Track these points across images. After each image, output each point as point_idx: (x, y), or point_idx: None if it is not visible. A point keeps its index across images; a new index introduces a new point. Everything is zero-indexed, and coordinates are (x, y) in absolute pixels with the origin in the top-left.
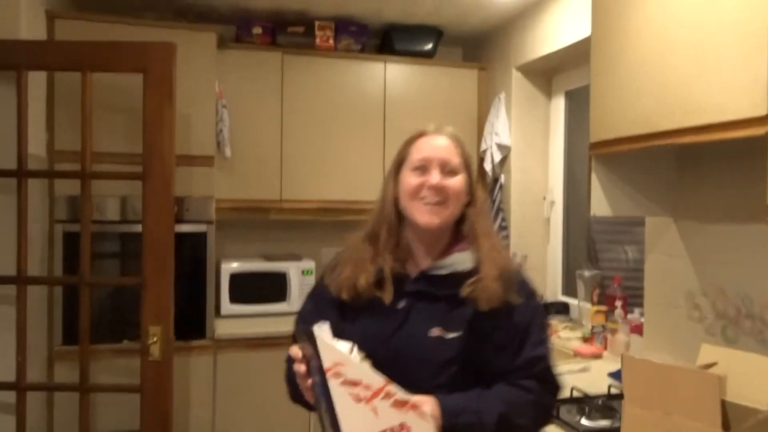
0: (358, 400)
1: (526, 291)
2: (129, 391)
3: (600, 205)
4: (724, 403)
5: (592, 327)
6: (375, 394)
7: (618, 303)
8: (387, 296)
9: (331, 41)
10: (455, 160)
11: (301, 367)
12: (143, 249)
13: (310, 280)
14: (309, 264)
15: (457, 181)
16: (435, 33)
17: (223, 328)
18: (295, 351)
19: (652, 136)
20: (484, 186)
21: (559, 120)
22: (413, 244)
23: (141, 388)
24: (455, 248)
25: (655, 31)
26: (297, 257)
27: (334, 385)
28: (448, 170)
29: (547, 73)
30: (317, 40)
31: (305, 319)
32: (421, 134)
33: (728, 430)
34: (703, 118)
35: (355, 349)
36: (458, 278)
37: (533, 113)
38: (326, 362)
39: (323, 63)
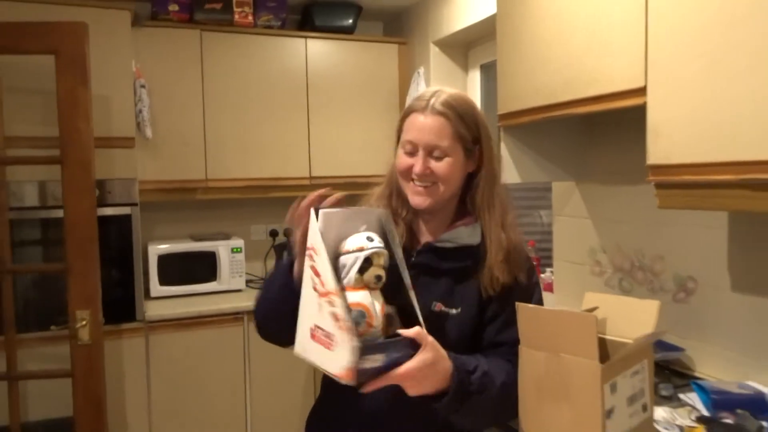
0: (314, 288)
1: (528, 269)
2: (60, 377)
3: (509, 174)
4: (602, 341)
5: None
6: (323, 295)
7: None
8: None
9: (250, 17)
10: (444, 142)
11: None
12: (65, 234)
13: (240, 258)
14: (238, 242)
15: (445, 165)
16: (355, 8)
17: (153, 310)
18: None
19: (553, 107)
20: (488, 149)
21: (476, 92)
22: (419, 216)
23: (72, 372)
24: (460, 222)
25: (555, 10)
26: (226, 236)
27: (306, 263)
28: (435, 155)
29: (463, 47)
30: (236, 17)
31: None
32: (411, 111)
33: (604, 361)
34: (596, 89)
35: (370, 243)
36: (463, 252)
37: (451, 85)
38: (309, 242)
39: (243, 40)
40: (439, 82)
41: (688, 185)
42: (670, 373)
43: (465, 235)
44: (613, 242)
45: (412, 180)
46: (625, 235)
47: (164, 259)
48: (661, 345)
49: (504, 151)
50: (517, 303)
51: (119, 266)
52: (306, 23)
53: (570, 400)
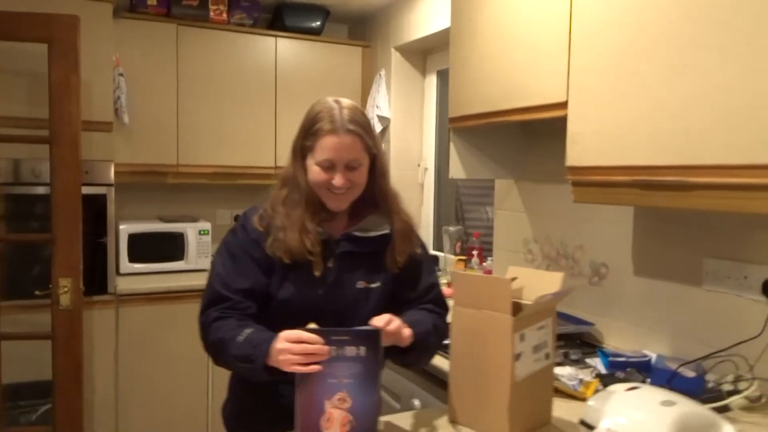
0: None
1: (419, 240)
2: (42, 338)
3: (456, 170)
4: (518, 303)
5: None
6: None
7: (474, 253)
8: (318, 257)
9: (225, 15)
10: (359, 154)
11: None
12: (53, 207)
13: (207, 240)
14: (205, 225)
15: (361, 172)
16: (323, 11)
17: (123, 284)
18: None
19: (493, 114)
20: (380, 151)
21: (432, 96)
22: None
23: (53, 335)
24: (366, 211)
25: (497, 27)
26: (194, 219)
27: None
28: (351, 166)
29: (422, 54)
30: (211, 14)
31: (227, 282)
32: (327, 132)
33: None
34: (529, 101)
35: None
36: (377, 239)
37: (410, 89)
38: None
39: (217, 36)
40: (399, 83)
41: (595, 184)
42: (582, 343)
43: (377, 224)
44: (543, 234)
45: (328, 189)
46: (553, 227)
47: (134, 238)
48: (574, 320)
49: (453, 150)
50: (452, 271)
51: (94, 242)
52: (276, 23)
53: (489, 345)
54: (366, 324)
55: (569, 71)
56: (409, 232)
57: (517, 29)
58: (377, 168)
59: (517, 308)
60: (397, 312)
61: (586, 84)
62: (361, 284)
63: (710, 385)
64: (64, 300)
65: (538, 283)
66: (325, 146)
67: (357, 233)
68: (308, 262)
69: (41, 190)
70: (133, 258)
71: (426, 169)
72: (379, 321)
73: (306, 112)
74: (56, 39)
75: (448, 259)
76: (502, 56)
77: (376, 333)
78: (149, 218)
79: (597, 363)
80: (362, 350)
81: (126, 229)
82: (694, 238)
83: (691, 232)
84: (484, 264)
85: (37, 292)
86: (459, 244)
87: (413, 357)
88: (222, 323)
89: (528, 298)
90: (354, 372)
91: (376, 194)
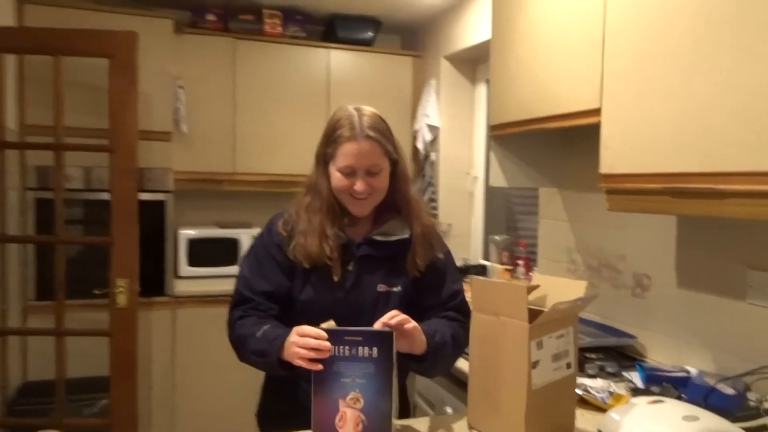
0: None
1: (441, 245)
2: (100, 335)
3: (497, 178)
4: (539, 311)
5: None
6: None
7: (520, 262)
8: (336, 262)
9: (279, 28)
10: (379, 159)
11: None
12: (112, 212)
13: None
14: (259, 231)
15: (382, 177)
16: (374, 23)
17: (181, 287)
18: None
19: (530, 122)
20: (402, 157)
21: (482, 104)
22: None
23: (110, 332)
24: (388, 215)
25: (534, 35)
26: (248, 225)
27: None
28: (372, 172)
29: (471, 62)
30: (266, 27)
31: (251, 284)
32: (347, 139)
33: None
34: (564, 107)
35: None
36: (397, 243)
37: (459, 98)
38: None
39: (272, 48)
40: (449, 92)
41: (628, 192)
42: (621, 356)
43: (398, 228)
44: (586, 243)
45: (350, 195)
46: (595, 236)
47: (193, 243)
48: (615, 332)
49: (493, 159)
50: (471, 276)
51: (153, 246)
52: (329, 35)
53: (506, 352)
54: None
55: (602, 78)
56: (430, 236)
57: (552, 37)
58: (398, 173)
59: (535, 316)
60: (418, 318)
61: (616, 90)
62: (381, 287)
63: (751, 403)
64: (121, 299)
65: (562, 291)
66: (346, 152)
67: (377, 237)
68: (329, 266)
69: (106, 195)
70: (192, 262)
71: (475, 177)
72: (384, 318)
73: (327, 120)
74: (116, 54)
75: (494, 268)
76: (539, 64)
77: (389, 334)
78: (207, 224)
79: (634, 377)
80: (375, 351)
81: (185, 234)
82: (737, 248)
83: (734, 242)
84: (530, 273)
85: (95, 291)
86: (506, 253)
87: (428, 364)
88: (244, 321)
89: (550, 305)
90: (367, 372)
91: (397, 199)
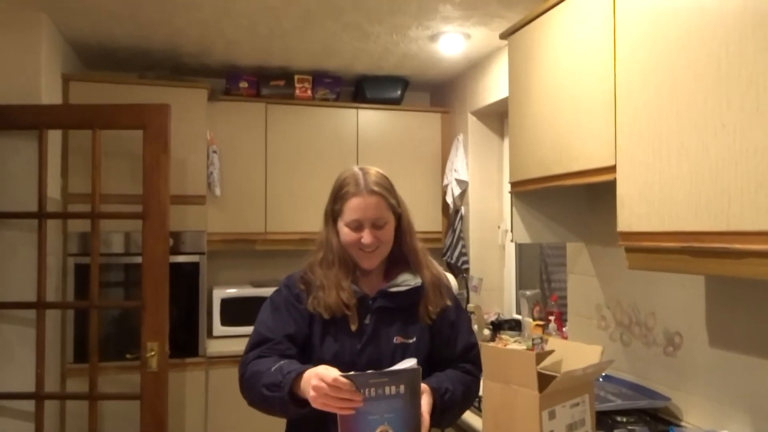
0: None
1: (450, 294)
2: (131, 399)
3: (520, 234)
4: (543, 375)
5: (533, 338)
6: None
7: (551, 317)
8: (353, 312)
9: (309, 92)
10: (383, 213)
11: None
12: (143, 276)
13: None
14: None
15: (387, 230)
16: (402, 82)
17: (214, 347)
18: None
19: (548, 179)
20: (405, 210)
21: None
22: (362, 270)
23: (141, 395)
24: (398, 269)
25: (548, 93)
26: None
27: None
28: (378, 225)
29: (498, 116)
30: (297, 91)
31: (270, 326)
32: (352, 195)
33: (541, 391)
34: (580, 165)
35: None
36: (410, 293)
37: (487, 151)
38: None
39: (302, 111)
40: (477, 147)
41: (646, 250)
42: (654, 419)
43: (410, 278)
44: (615, 299)
45: (359, 249)
46: (624, 292)
47: (226, 302)
48: (649, 393)
49: (515, 215)
50: (481, 343)
51: (187, 307)
52: (358, 95)
53: (517, 422)
54: None
55: (616, 134)
56: (439, 283)
57: (566, 95)
58: (403, 226)
59: (547, 383)
60: (435, 369)
61: (630, 148)
62: (397, 340)
63: None
64: (152, 363)
65: (577, 357)
66: (352, 207)
67: (392, 289)
68: (347, 317)
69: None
70: (225, 321)
71: (506, 231)
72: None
73: (335, 180)
74: (149, 125)
75: (525, 322)
76: (554, 121)
77: (416, 371)
78: (241, 283)
79: None
80: (402, 388)
81: (219, 293)
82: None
83: (764, 298)
84: (563, 329)
85: (127, 356)
86: (537, 307)
87: (435, 418)
88: (261, 360)
89: (566, 369)
90: (394, 407)
91: (404, 251)
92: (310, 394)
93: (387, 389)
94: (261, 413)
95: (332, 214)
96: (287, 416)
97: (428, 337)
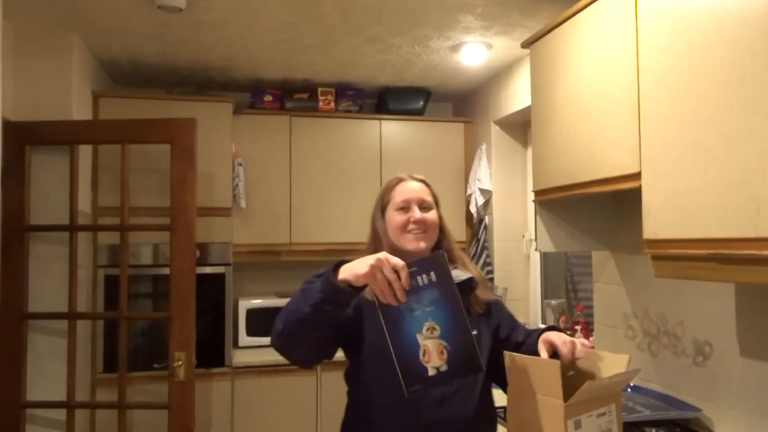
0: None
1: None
2: (159, 408)
3: (544, 243)
4: (568, 384)
5: None
6: None
7: (578, 327)
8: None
9: (332, 104)
10: (429, 198)
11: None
12: (171, 287)
13: None
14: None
15: (433, 214)
16: (424, 93)
17: (240, 357)
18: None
19: (572, 186)
20: (443, 217)
21: None
22: None
23: (169, 405)
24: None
25: (571, 101)
26: None
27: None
28: (424, 207)
29: (521, 126)
30: (320, 104)
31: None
32: (399, 181)
33: (567, 400)
34: (604, 173)
35: None
36: (464, 283)
37: (510, 161)
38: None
39: (326, 123)
40: (500, 156)
41: (672, 257)
42: (684, 431)
43: (461, 272)
44: (642, 308)
45: (408, 232)
46: (652, 301)
47: (252, 313)
48: (679, 404)
49: (539, 223)
50: (504, 352)
51: (213, 318)
52: (381, 106)
53: None
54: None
55: (640, 141)
56: (485, 279)
57: (590, 102)
58: (444, 228)
59: (572, 392)
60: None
61: (655, 155)
62: None
63: None
64: (179, 372)
65: (603, 366)
66: (400, 191)
67: None
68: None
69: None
70: (251, 332)
71: (531, 240)
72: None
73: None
74: (175, 140)
75: None
76: (578, 129)
77: (439, 254)
78: (267, 294)
79: None
80: (432, 275)
81: (245, 304)
82: None
83: None
84: (590, 339)
85: (155, 366)
86: (563, 317)
87: None
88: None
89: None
90: (433, 298)
91: (446, 247)
92: (368, 264)
93: (419, 279)
94: (285, 423)
95: (381, 207)
96: (322, 307)
97: (488, 330)
